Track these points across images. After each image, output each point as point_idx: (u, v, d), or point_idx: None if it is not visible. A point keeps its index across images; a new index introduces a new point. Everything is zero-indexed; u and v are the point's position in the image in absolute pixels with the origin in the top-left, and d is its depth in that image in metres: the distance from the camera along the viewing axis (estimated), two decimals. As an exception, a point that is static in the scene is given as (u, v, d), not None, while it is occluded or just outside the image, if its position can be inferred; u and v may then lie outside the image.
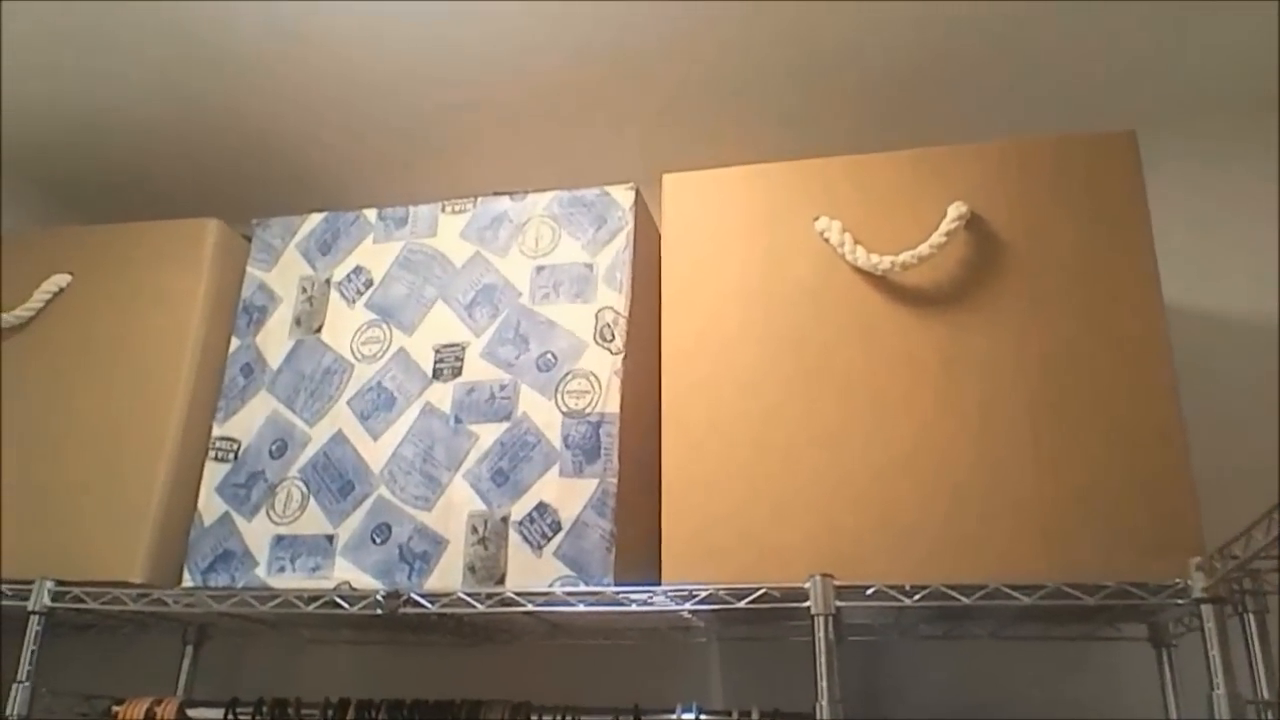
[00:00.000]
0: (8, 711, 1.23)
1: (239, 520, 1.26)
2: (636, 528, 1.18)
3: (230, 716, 1.28)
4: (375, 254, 1.35)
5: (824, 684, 1.00)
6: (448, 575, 1.16)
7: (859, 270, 1.16)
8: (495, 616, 1.18)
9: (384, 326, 1.31)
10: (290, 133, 1.67)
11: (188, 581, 1.26)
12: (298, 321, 1.35)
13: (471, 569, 1.16)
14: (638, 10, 1.37)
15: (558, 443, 1.18)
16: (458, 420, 1.23)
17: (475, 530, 1.17)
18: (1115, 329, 1.08)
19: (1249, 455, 1.36)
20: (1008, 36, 1.39)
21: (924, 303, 1.13)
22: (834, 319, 1.15)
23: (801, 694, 1.05)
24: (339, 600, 1.18)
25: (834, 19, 1.37)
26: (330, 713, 1.25)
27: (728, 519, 1.10)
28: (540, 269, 1.27)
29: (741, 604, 1.06)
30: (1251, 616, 0.97)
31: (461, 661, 1.53)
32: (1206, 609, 0.95)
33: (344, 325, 1.32)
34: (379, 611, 1.15)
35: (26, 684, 1.24)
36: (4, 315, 1.41)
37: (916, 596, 1.02)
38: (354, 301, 1.33)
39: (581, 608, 1.12)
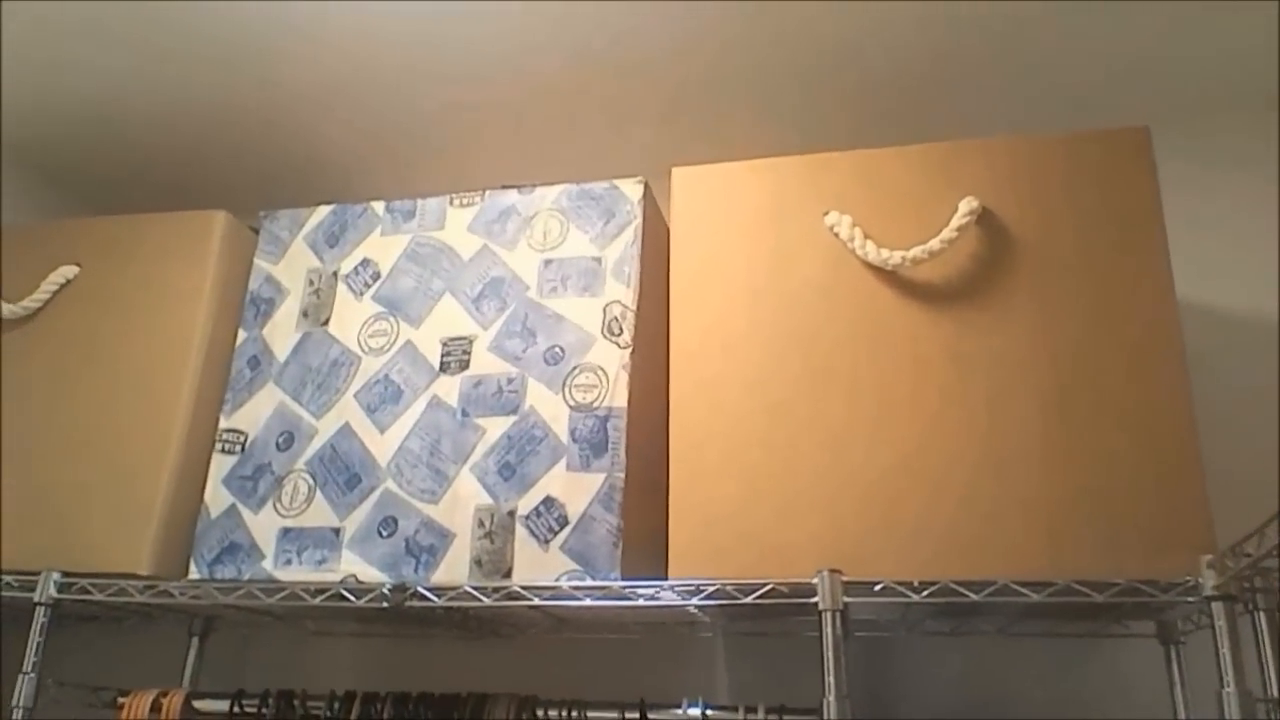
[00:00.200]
0: (14, 702, 1.23)
1: (245, 512, 1.26)
2: (643, 522, 1.17)
3: (236, 708, 1.28)
4: (383, 246, 1.35)
5: (831, 679, 0.99)
6: (454, 569, 1.16)
7: (869, 265, 1.15)
8: (501, 610, 1.18)
9: (391, 319, 1.30)
10: (297, 126, 1.66)
11: (194, 573, 1.26)
12: (305, 314, 1.35)
13: (478, 563, 1.15)
14: (640, 10, 1.36)
15: (565, 437, 1.17)
16: (465, 414, 1.22)
17: (482, 524, 1.17)
18: (1127, 326, 1.07)
19: (1251, 453, 1.36)
20: (1010, 36, 1.39)
21: (934, 299, 1.13)
22: (843, 314, 1.15)
23: (808, 689, 1.04)
24: (345, 593, 1.18)
25: (838, 17, 1.36)
26: (336, 705, 1.25)
27: (735, 514, 1.10)
28: (548, 262, 1.27)
29: (749, 599, 1.06)
30: (1262, 615, 0.97)
31: (467, 655, 1.53)
32: (1217, 607, 0.94)
33: (351, 318, 1.32)
34: (385, 604, 1.15)
35: (33, 675, 1.24)
36: (11, 307, 1.41)
37: (925, 592, 1.01)
38: (361, 294, 1.33)
39: (588, 602, 1.11)
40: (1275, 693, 0.94)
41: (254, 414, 1.31)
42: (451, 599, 1.14)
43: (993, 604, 1.01)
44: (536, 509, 1.16)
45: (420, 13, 1.39)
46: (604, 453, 1.16)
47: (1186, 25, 1.36)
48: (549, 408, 1.19)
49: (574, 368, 1.20)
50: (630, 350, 1.20)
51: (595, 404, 1.18)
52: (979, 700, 1.35)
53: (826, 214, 1.18)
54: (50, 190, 1.85)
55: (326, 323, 1.33)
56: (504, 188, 1.33)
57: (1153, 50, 1.41)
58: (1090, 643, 1.34)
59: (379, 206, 1.38)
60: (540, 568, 1.13)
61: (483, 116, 1.63)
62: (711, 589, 1.07)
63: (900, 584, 1.02)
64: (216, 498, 1.28)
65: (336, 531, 1.22)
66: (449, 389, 1.24)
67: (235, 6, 1.38)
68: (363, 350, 1.30)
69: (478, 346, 1.25)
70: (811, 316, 1.16)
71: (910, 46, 1.42)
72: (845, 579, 1.03)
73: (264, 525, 1.25)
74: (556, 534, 1.14)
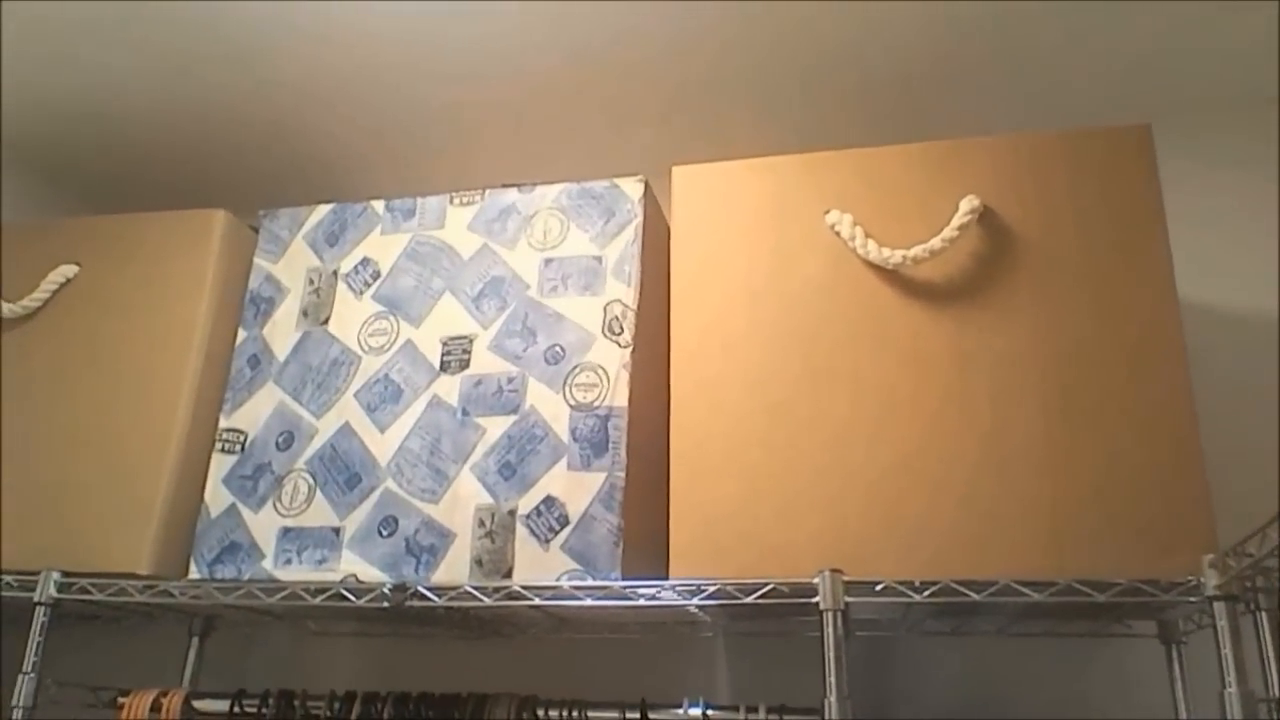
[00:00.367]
0: (14, 702, 1.22)
1: (246, 512, 1.26)
2: (644, 522, 1.17)
3: (236, 708, 1.28)
4: (383, 245, 1.35)
5: (832, 679, 0.99)
6: (454, 568, 1.16)
7: (870, 264, 1.15)
8: (502, 610, 1.18)
9: (391, 318, 1.30)
10: (298, 125, 1.66)
11: (194, 573, 1.26)
12: (305, 313, 1.35)
13: (478, 562, 1.15)
14: (640, 9, 1.36)
15: (565, 436, 1.17)
16: (465, 413, 1.22)
17: (482, 523, 1.17)
18: (1128, 325, 1.07)
19: (1251, 452, 1.36)
20: (1011, 34, 1.39)
21: (935, 297, 1.13)
22: (844, 313, 1.15)
23: (808, 689, 1.04)
24: (346, 593, 1.18)
25: (838, 16, 1.36)
26: (336, 705, 1.25)
27: (735, 514, 1.10)
28: (549, 261, 1.27)
29: (749, 599, 1.06)
30: (1264, 614, 0.97)
31: (468, 655, 1.53)
32: (1219, 606, 0.94)
33: (351, 317, 1.32)
34: (386, 604, 1.15)
35: (32, 675, 1.24)
36: (11, 306, 1.40)
37: (926, 592, 1.01)
38: (361, 293, 1.33)
39: (589, 602, 1.11)
40: (1277, 693, 0.94)
41: (254, 413, 1.31)
42: (452, 599, 1.14)
43: (994, 604, 1.01)
44: (537, 508, 1.15)
45: (420, 11, 1.39)
46: (604, 452, 1.15)
47: (1187, 23, 1.36)
48: (549, 407, 1.19)
49: (574, 367, 1.20)
50: (631, 349, 1.20)
51: (596, 403, 1.18)
52: (980, 700, 1.35)
53: (827, 213, 1.18)
54: (50, 189, 1.85)
55: (326, 322, 1.33)
56: (504, 186, 1.33)
57: (1153, 48, 1.41)
58: (1092, 642, 1.34)
59: (379, 205, 1.37)
60: (541, 567, 1.13)
61: (483, 115, 1.62)
62: (712, 589, 1.07)
63: (901, 584, 1.02)
64: (216, 497, 1.28)
65: (337, 531, 1.22)
66: (449, 388, 1.24)
67: (236, 5, 1.38)
68: (363, 349, 1.30)
69: (478, 346, 1.25)
70: (812, 316, 1.15)
71: (910, 46, 1.42)
72: (846, 579, 1.03)
73: (264, 525, 1.25)
74: (557, 534, 1.14)
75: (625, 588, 1.10)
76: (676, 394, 1.17)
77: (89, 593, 1.25)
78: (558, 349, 1.22)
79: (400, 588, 1.15)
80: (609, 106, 1.58)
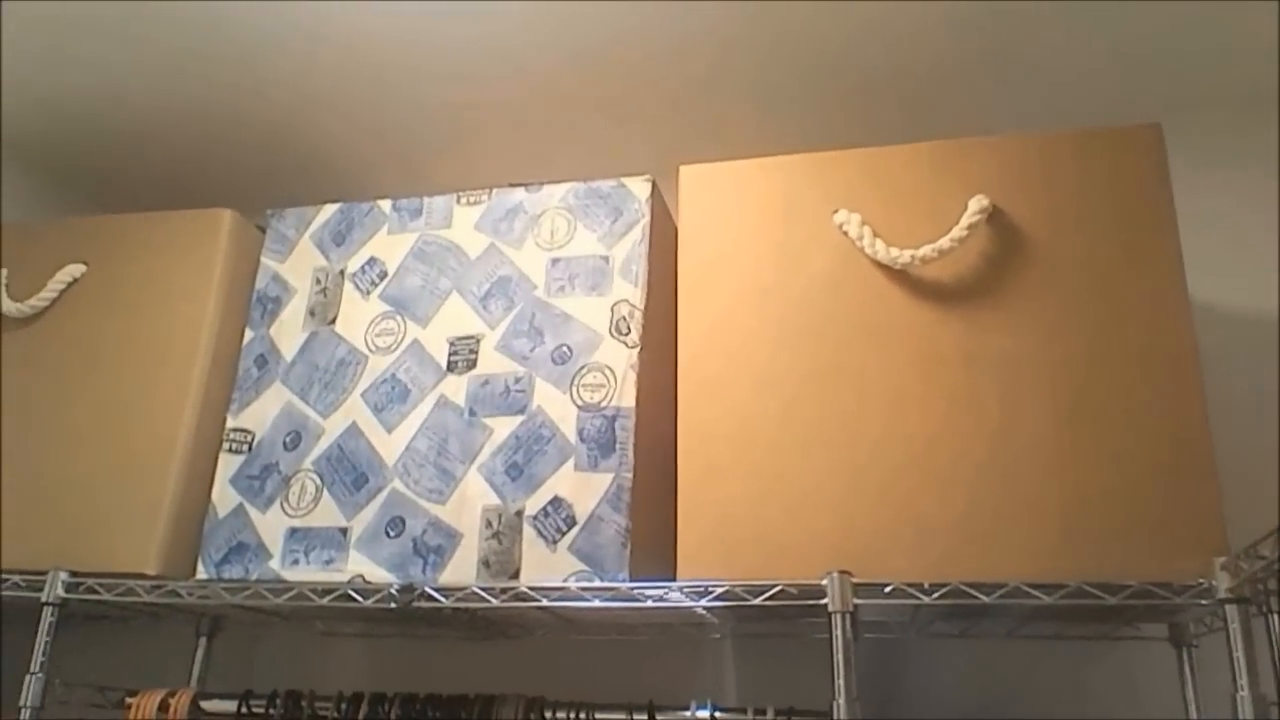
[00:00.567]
0: (21, 702, 1.23)
1: (253, 512, 1.26)
2: (652, 523, 1.17)
3: (243, 709, 1.28)
4: (390, 245, 1.34)
5: (841, 682, 0.99)
6: (462, 569, 1.15)
7: (878, 264, 1.14)
8: (509, 611, 1.17)
9: (398, 318, 1.30)
10: (305, 125, 1.66)
11: (201, 573, 1.25)
12: (312, 313, 1.34)
13: (485, 563, 1.15)
14: (645, 9, 1.36)
15: (573, 436, 1.17)
16: (472, 413, 1.22)
17: (489, 524, 1.16)
18: (1139, 325, 1.06)
19: (1260, 454, 1.35)
20: (1015, 34, 1.38)
21: (944, 298, 1.12)
22: (852, 313, 1.14)
23: (817, 691, 1.04)
24: (353, 593, 1.17)
25: (843, 15, 1.36)
26: (343, 706, 1.24)
27: (743, 515, 1.09)
28: (555, 261, 1.26)
29: (757, 601, 1.06)
30: (1276, 617, 0.96)
31: (475, 656, 1.52)
32: (1231, 609, 0.93)
33: (358, 317, 1.32)
34: (393, 605, 1.15)
35: (40, 675, 1.24)
36: (19, 305, 1.41)
37: (935, 595, 1.01)
38: (368, 293, 1.33)
39: (596, 603, 1.11)
40: (1289, 696, 0.94)
41: (261, 413, 1.31)
42: (459, 600, 1.13)
43: (1003, 606, 1.01)
44: (544, 509, 1.15)
45: (426, 11, 1.38)
46: (612, 452, 1.15)
47: (1189, 23, 1.35)
48: (557, 407, 1.19)
49: (582, 367, 1.20)
50: (638, 349, 1.19)
51: (603, 403, 1.17)
52: (989, 703, 1.34)
53: (835, 212, 1.18)
54: (57, 189, 1.85)
55: (333, 322, 1.33)
56: (511, 186, 1.33)
57: (1156, 47, 1.40)
58: (1101, 645, 1.33)
59: (386, 205, 1.37)
60: (548, 568, 1.13)
61: (490, 115, 1.62)
62: (720, 590, 1.07)
63: (910, 585, 1.01)
64: (224, 497, 1.28)
65: (344, 531, 1.22)
66: (456, 388, 1.24)
67: (239, 5, 1.38)
68: (370, 349, 1.30)
69: (485, 346, 1.25)
70: (820, 315, 1.15)
71: (912, 45, 1.41)
72: (855, 580, 1.02)
73: (271, 525, 1.25)
74: (564, 534, 1.13)
75: (633, 589, 1.10)
76: (684, 394, 1.16)
77: (96, 593, 1.25)
78: (565, 349, 1.21)
79: (407, 588, 1.15)
80: (613, 106, 1.58)
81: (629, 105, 1.58)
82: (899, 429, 1.08)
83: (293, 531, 1.23)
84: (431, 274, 1.31)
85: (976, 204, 1.12)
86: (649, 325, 1.22)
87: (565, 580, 1.12)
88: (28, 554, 1.28)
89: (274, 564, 1.23)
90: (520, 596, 1.12)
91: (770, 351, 1.15)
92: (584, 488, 1.15)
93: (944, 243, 1.11)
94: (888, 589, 1.02)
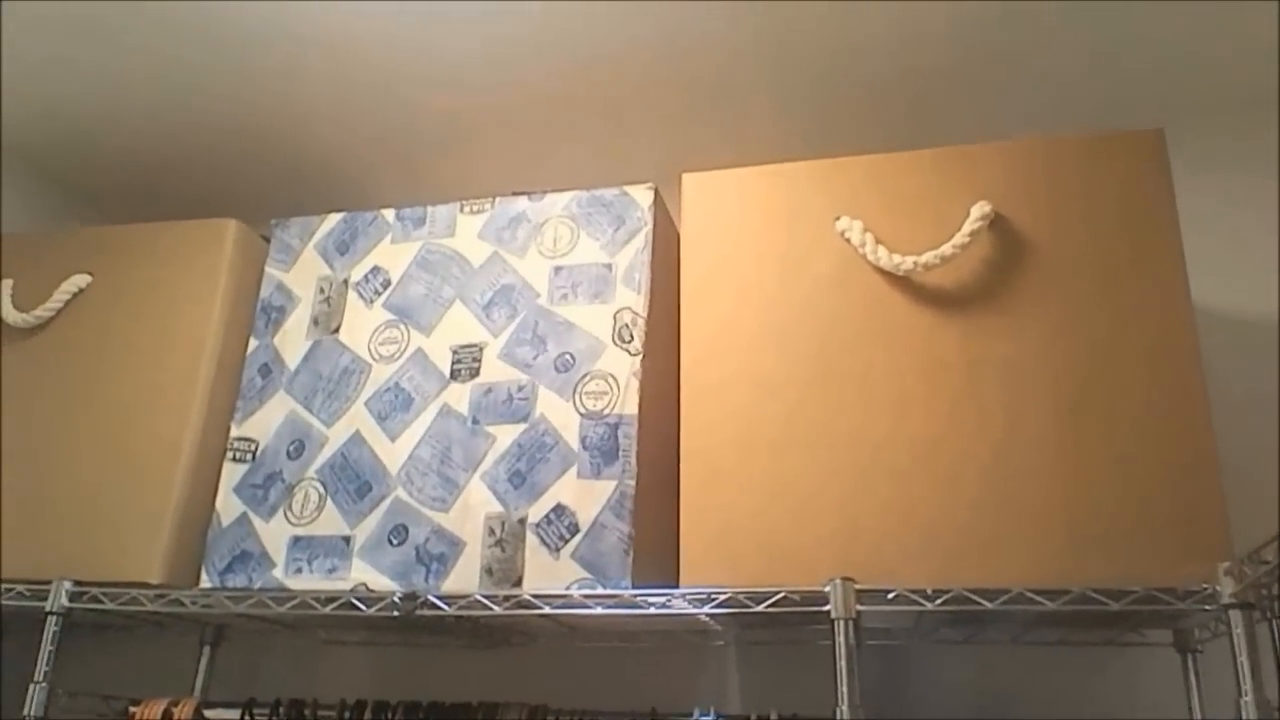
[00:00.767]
0: (25, 711, 1.23)
1: (257, 521, 1.26)
2: (654, 530, 1.17)
3: (247, 717, 1.28)
4: (393, 254, 1.35)
5: (844, 688, 0.99)
6: (465, 577, 1.15)
7: (880, 271, 1.15)
8: (512, 619, 1.17)
9: (402, 327, 1.30)
10: (308, 134, 1.67)
11: (205, 582, 1.26)
12: (315, 322, 1.35)
13: (488, 571, 1.15)
14: (649, 15, 1.36)
15: (575, 444, 1.17)
16: (475, 421, 1.22)
17: (492, 532, 1.16)
18: (1142, 331, 1.06)
19: (1262, 458, 1.35)
20: (1019, 40, 1.39)
21: (946, 304, 1.12)
22: (854, 320, 1.14)
23: (820, 698, 1.04)
24: (356, 602, 1.17)
25: (847, 21, 1.36)
26: (347, 714, 1.25)
27: (746, 521, 1.09)
28: (559, 269, 1.27)
29: (760, 607, 1.05)
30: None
31: (478, 664, 1.52)
32: (1235, 615, 0.93)
33: (362, 325, 1.32)
34: (396, 613, 1.15)
35: (44, 684, 1.24)
36: (24, 316, 1.41)
37: (938, 600, 1.01)
38: (372, 302, 1.33)
39: (599, 610, 1.11)
40: (1294, 701, 0.93)
41: (265, 422, 1.31)
42: (462, 607, 1.13)
43: (1007, 612, 1.01)
44: (547, 517, 1.15)
45: (430, 19, 1.39)
46: (615, 460, 1.15)
47: (1191, 27, 1.36)
48: (559, 415, 1.19)
49: (584, 375, 1.20)
50: (641, 357, 1.19)
51: (606, 411, 1.18)
52: (992, 710, 1.34)
53: (838, 219, 1.18)
54: (61, 199, 1.86)
55: (337, 330, 1.33)
56: (514, 194, 1.33)
57: (1158, 52, 1.41)
58: (1106, 651, 1.33)
59: (389, 214, 1.38)
60: (551, 576, 1.13)
61: (493, 123, 1.63)
62: (723, 597, 1.07)
63: (913, 592, 1.01)
64: (228, 506, 1.28)
65: (347, 540, 1.22)
66: (459, 396, 1.24)
67: (240, 14, 1.39)
68: (373, 358, 1.30)
69: (488, 354, 1.25)
70: (823, 322, 1.15)
71: (917, 51, 1.42)
72: (858, 587, 1.02)
73: (275, 534, 1.25)
74: (567, 542, 1.13)
75: (636, 596, 1.10)
76: (687, 401, 1.16)
77: (101, 602, 1.25)
78: (568, 357, 1.22)
79: (410, 596, 1.15)
80: (617, 112, 1.58)
81: (633, 111, 1.58)
82: (902, 435, 1.08)
83: (296, 540, 1.24)
84: (435, 283, 1.31)
85: (979, 210, 1.12)
86: (651, 333, 1.22)
87: (568, 588, 1.12)
88: (32, 563, 1.29)
89: (277, 573, 1.23)
90: (523, 604, 1.12)
91: (773, 358, 1.15)
92: (587, 495, 1.15)
93: (946, 249, 1.11)
94: (891, 595, 1.02)
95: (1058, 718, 1.31)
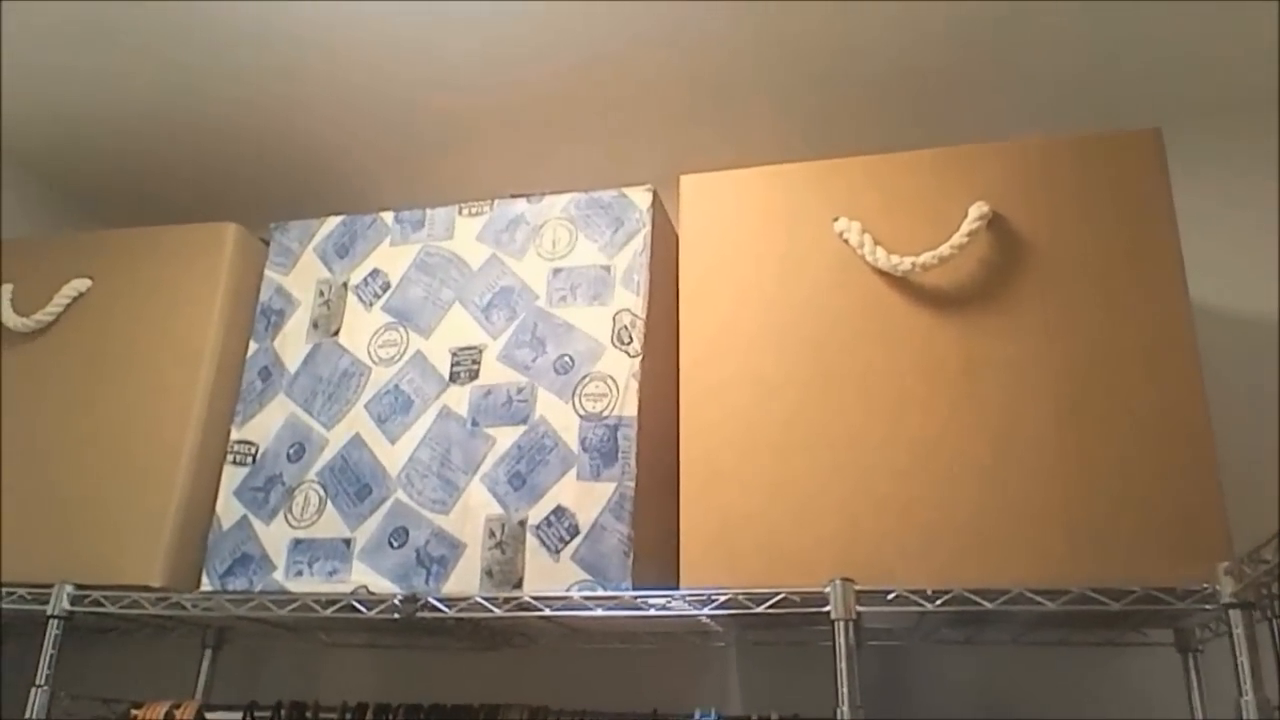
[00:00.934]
0: (26, 715, 1.23)
1: (257, 524, 1.26)
2: (654, 531, 1.17)
3: (248, 720, 1.28)
4: (392, 257, 1.35)
5: (844, 689, 0.99)
6: (465, 579, 1.16)
7: (879, 271, 1.15)
8: (512, 621, 1.17)
9: (401, 329, 1.30)
10: (308, 138, 1.67)
11: (206, 585, 1.26)
12: (315, 325, 1.35)
13: (489, 573, 1.15)
14: (648, 17, 1.36)
15: (575, 446, 1.17)
16: (475, 423, 1.22)
17: (493, 534, 1.17)
18: (1140, 331, 1.06)
19: (1261, 457, 1.34)
20: (1018, 40, 1.39)
21: (945, 304, 1.12)
22: (853, 321, 1.14)
23: (821, 699, 1.04)
24: (357, 604, 1.18)
25: (847, 21, 1.36)
26: (348, 716, 1.25)
27: (746, 522, 1.09)
28: (557, 271, 1.27)
29: (760, 609, 1.05)
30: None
31: (479, 665, 1.52)
32: (1235, 614, 0.93)
33: (361, 328, 1.32)
34: (396, 615, 1.15)
35: (46, 688, 1.24)
36: (24, 320, 1.41)
37: (938, 601, 1.01)
38: (371, 304, 1.33)
39: (599, 612, 1.11)
40: (1295, 701, 0.93)
41: (265, 425, 1.31)
42: (462, 610, 1.13)
43: (1007, 612, 1.01)
44: (547, 519, 1.15)
45: (428, 22, 1.39)
46: (614, 462, 1.15)
47: (1190, 28, 1.36)
48: (559, 417, 1.19)
49: (584, 377, 1.20)
50: (640, 359, 1.19)
51: (605, 413, 1.18)
52: (993, 710, 1.34)
53: (836, 220, 1.18)
54: (61, 203, 1.86)
55: (337, 333, 1.33)
56: (513, 197, 1.33)
57: (1157, 52, 1.41)
58: (1107, 651, 1.33)
59: (388, 217, 1.38)
60: (551, 578, 1.13)
61: (491, 125, 1.63)
62: (723, 599, 1.07)
63: (914, 592, 1.01)
64: (228, 509, 1.29)
65: (347, 542, 1.22)
66: (459, 399, 1.24)
67: (243, 17, 1.39)
68: (373, 361, 1.30)
69: (487, 356, 1.25)
70: (822, 322, 1.15)
71: (916, 51, 1.42)
72: (858, 588, 1.02)
73: (275, 536, 1.25)
74: (567, 544, 1.14)
75: (636, 598, 1.10)
76: (686, 402, 1.17)
77: (102, 605, 1.25)
78: (567, 359, 1.22)
79: (411, 599, 1.15)
80: (616, 113, 1.58)
81: (633, 112, 1.58)
82: (901, 435, 1.08)
83: (296, 543, 1.24)
84: (434, 285, 1.31)
85: (977, 210, 1.12)
86: (651, 334, 1.22)
87: (568, 590, 1.12)
88: (33, 567, 1.29)
89: (278, 575, 1.23)
90: (523, 606, 1.12)
91: (772, 359, 1.15)
92: (586, 497, 1.15)
93: (945, 249, 1.11)
94: (891, 596, 1.02)
95: (1058, 718, 1.31)
